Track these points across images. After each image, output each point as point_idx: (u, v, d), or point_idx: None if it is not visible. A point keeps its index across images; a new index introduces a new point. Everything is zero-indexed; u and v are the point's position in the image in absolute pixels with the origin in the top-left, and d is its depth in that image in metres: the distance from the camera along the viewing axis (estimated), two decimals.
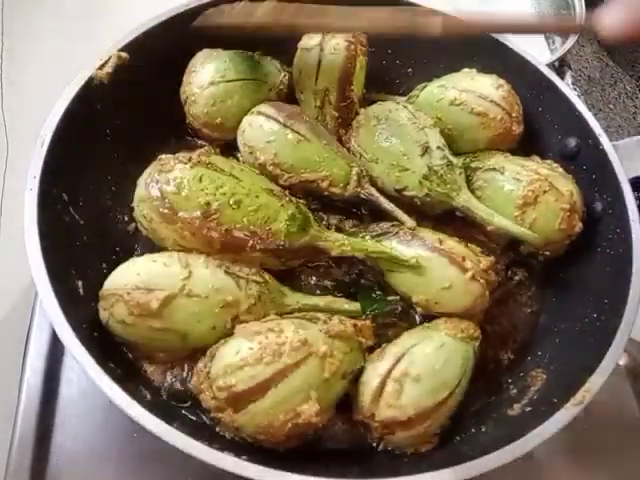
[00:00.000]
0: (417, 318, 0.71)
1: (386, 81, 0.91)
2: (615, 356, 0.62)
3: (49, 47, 1.10)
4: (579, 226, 0.73)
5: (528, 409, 0.65)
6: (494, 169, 0.75)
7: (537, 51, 1.06)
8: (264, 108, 0.75)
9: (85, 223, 0.68)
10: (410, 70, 0.92)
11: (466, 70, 0.84)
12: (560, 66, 1.11)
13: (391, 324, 0.70)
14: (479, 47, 0.84)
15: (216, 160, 0.67)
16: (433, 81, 0.84)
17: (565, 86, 0.80)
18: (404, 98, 0.86)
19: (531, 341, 0.74)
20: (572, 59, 1.18)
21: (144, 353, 0.64)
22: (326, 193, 0.74)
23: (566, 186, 0.73)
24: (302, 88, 0.82)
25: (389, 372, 0.61)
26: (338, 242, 0.68)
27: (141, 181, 0.66)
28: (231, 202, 0.63)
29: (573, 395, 0.59)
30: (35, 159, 0.64)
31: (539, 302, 0.77)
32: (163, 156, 0.67)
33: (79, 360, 0.55)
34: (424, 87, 0.84)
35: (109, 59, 0.72)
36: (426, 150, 0.73)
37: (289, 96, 0.83)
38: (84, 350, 0.55)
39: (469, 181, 0.76)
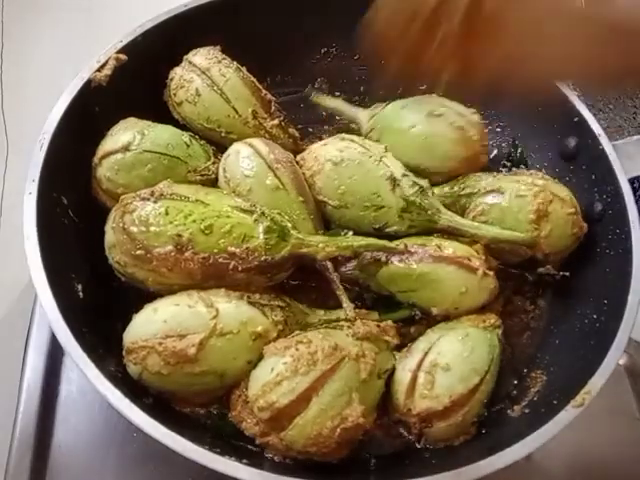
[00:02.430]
0: None
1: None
2: (615, 357, 0.61)
3: (49, 47, 1.10)
4: (585, 226, 0.73)
5: (528, 410, 0.65)
6: (492, 191, 0.73)
7: None
8: (257, 142, 0.72)
9: (84, 226, 0.68)
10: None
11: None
12: None
13: (412, 322, 0.70)
14: None
15: (178, 189, 0.64)
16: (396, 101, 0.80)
17: (565, 86, 0.80)
18: (369, 109, 0.83)
19: (531, 342, 0.74)
20: None
21: (181, 399, 0.62)
22: None
23: (564, 191, 0.73)
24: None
25: (419, 365, 0.62)
26: (322, 245, 0.65)
27: (107, 227, 0.63)
28: (202, 228, 0.61)
29: (573, 397, 0.59)
30: (34, 162, 0.64)
31: (538, 303, 0.77)
32: (124, 196, 0.64)
33: (78, 362, 0.55)
34: (387, 104, 0.80)
35: (107, 61, 0.72)
36: (394, 182, 0.70)
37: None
38: (83, 353, 0.55)
39: (466, 208, 0.74)
